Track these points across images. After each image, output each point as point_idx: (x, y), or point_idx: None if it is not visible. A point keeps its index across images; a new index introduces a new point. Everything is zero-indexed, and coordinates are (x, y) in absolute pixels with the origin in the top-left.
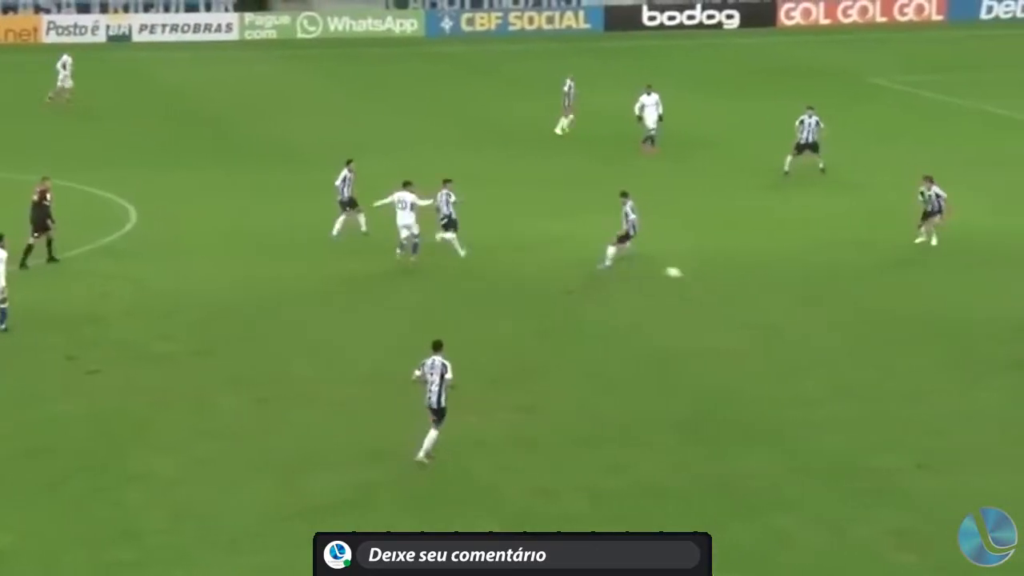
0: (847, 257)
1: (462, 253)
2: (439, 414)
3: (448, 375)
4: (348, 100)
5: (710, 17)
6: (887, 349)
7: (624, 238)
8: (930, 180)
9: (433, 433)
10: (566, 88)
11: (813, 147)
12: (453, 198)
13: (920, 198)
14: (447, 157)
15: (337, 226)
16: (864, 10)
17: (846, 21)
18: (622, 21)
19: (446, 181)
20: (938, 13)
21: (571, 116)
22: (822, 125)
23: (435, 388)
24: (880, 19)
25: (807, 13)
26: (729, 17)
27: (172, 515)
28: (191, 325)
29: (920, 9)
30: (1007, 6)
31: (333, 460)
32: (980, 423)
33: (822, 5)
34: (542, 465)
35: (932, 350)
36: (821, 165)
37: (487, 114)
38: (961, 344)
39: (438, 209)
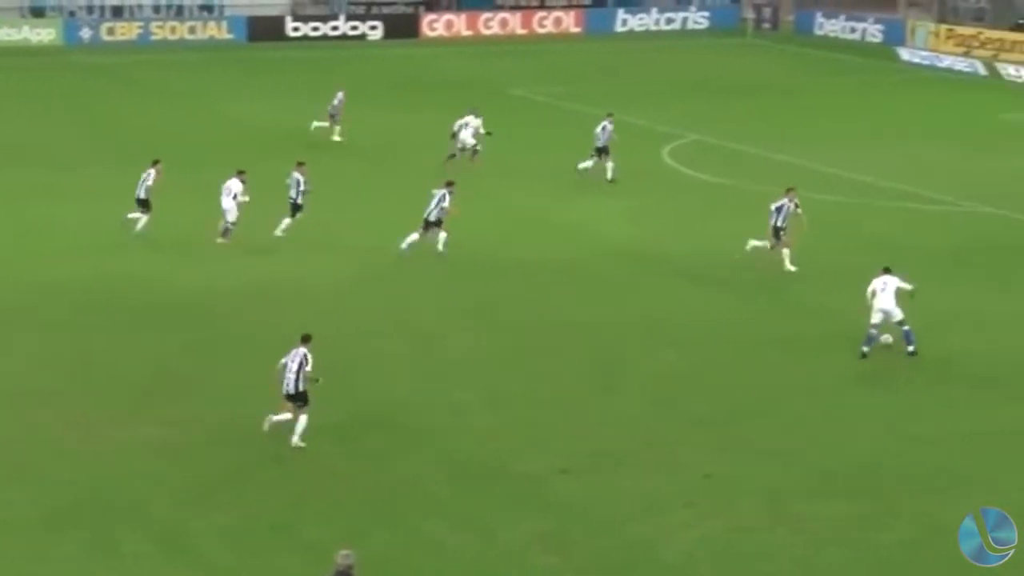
0: (505, 265)
1: (279, 233)
2: (299, 399)
3: (307, 367)
4: None
5: (354, 28)
6: (535, 355)
7: (435, 224)
8: (792, 192)
9: (302, 420)
10: (336, 101)
11: (604, 151)
12: (303, 186)
13: (774, 209)
14: (88, 168)
15: (139, 224)
16: (504, 22)
17: (487, 33)
18: (265, 31)
19: (299, 164)
20: (576, 26)
21: (338, 127)
22: (614, 136)
23: (291, 375)
24: (520, 31)
25: (449, 25)
26: (373, 28)
27: None
28: None
29: (558, 22)
30: (640, 19)
31: None
32: (618, 427)
33: (464, 17)
34: (190, 479)
35: (575, 355)
36: (609, 175)
37: (127, 125)
38: (601, 349)
39: (288, 188)
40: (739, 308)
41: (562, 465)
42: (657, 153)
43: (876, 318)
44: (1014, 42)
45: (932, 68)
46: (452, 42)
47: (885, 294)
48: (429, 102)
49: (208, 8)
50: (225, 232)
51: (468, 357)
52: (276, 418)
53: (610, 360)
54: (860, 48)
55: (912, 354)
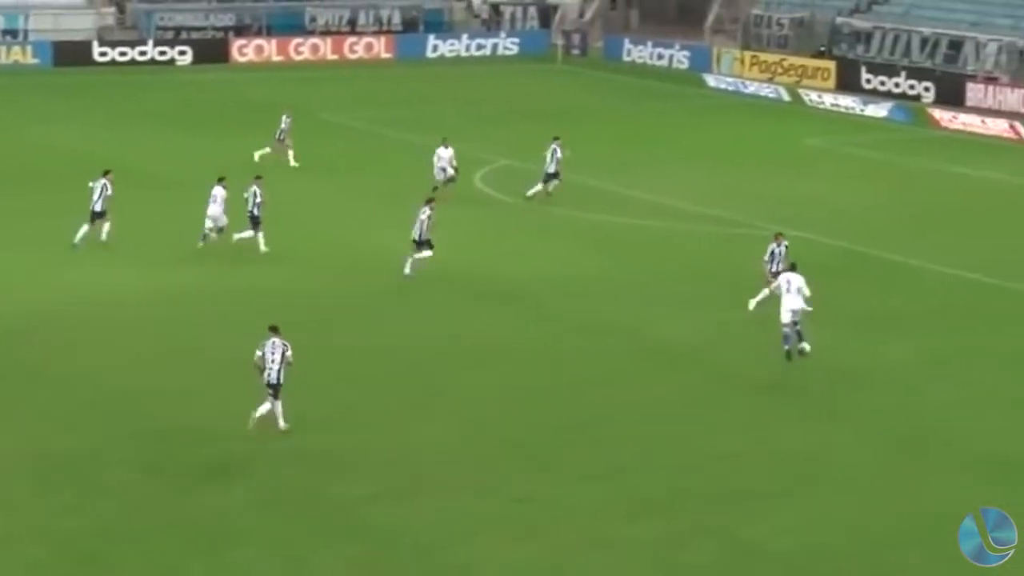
0: (314, 290)
1: (263, 249)
2: (276, 389)
3: (288, 353)
4: None
5: (162, 53)
6: (346, 379)
7: (424, 244)
8: (780, 236)
9: (278, 405)
10: (283, 125)
11: (555, 176)
12: (259, 198)
13: (768, 256)
14: None
15: (79, 234)
16: (315, 48)
17: (298, 58)
18: (72, 56)
19: (257, 177)
20: (387, 51)
21: (291, 151)
22: (566, 153)
23: (275, 366)
24: (331, 56)
25: (259, 50)
26: (182, 53)
27: None
28: None
29: (369, 47)
30: (451, 45)
31: None
32: (432, 450)
33: (274, 42)
34: None
35: (388, 379)
36: (550, 188)
37: None
38: (415, 373)
39: (246, 201)
40: (550, 330)
41: (375, 490)
42: (469, 178)
43: (786, 317)
44: (816, 68)
45: (738, 94)
46: (263, 67)
47: (791, 294)
48: (239, 127)
49: (12, 32)
50: (208, 236)
51: None
52: (259, 413)
53: (423, 384)
54: (668, 74)
55: (803, 353)
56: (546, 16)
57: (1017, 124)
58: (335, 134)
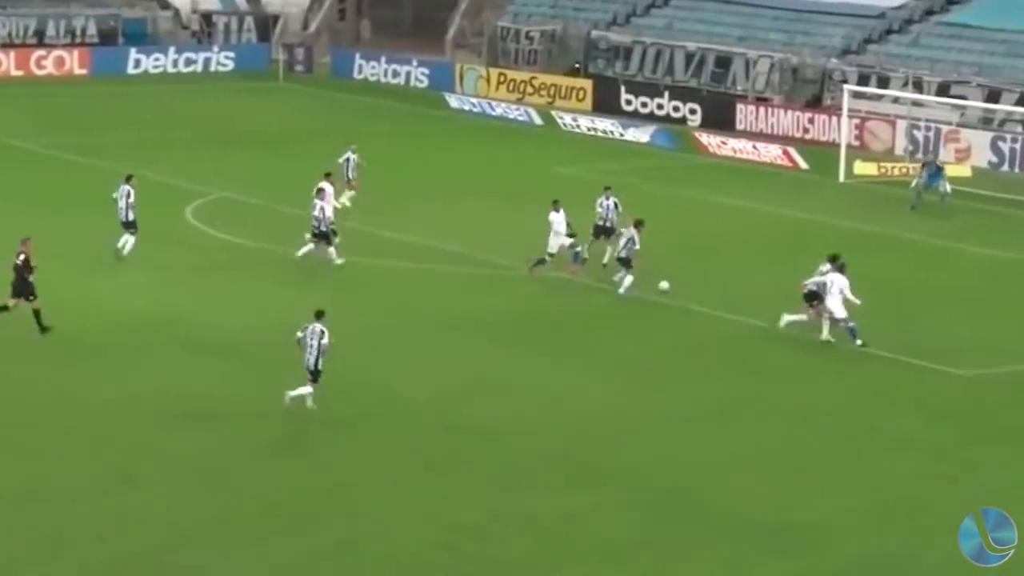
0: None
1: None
2: (315, 375)
3: (324, 340)
4: None
5: None
6: (34, 446)
7: (625, 263)
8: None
9: (311, 388)
10: (343, 160)
11: (607, 231)
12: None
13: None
14: None
15: (127, 246)
16: None
17: None
18: None
19: (319, 190)
20: (81, 67)
21: (353, 192)
22: (620, 208)
23: (313, 353)
24: (16, 72)
25: None
26: None
27: None
28: None
29: (61, 62)
30: (156, 60)
31: None
32: (139, 525)
33: None
34: None
35: (83, 444)
36: (619, 254)
37: None
38: (116, 435)
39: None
40: (272, 386)
41: (80, 571)
42: (180, 212)
43: (839, 313)
44: (570, 88)
45: (484, 116)
46: None
47: (832, 296)
48: None
49: None
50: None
51: None
52: (294, 393)
53: (127, 447)
54: (405, 93)
55: (862, 346)
56: (266, 28)
57: (791, 150)
58: (23, 162)
